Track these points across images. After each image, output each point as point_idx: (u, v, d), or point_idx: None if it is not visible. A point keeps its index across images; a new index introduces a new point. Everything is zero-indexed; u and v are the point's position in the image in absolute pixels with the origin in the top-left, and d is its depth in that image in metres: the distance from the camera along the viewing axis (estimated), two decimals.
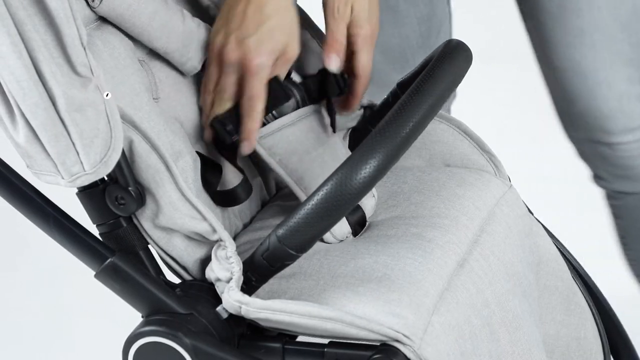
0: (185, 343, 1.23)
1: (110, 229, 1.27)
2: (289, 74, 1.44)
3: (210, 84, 1.36)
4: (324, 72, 1.45)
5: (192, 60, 1.38)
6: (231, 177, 1.39)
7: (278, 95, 1.38)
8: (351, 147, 1.57)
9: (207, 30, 1.40)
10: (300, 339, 1.28)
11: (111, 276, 1.25)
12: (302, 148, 1.40)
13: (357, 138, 1.56)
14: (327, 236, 1.38)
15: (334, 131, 1.43)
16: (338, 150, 1.45)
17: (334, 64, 1.38)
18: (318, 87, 1.45)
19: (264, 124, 1.39)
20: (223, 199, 1.36)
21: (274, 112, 1.41)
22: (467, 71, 1.34)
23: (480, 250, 1.37)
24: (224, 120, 1.36)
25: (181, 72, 1.40)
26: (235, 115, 1.37)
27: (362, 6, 1.37)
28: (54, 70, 1.12)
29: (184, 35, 1.37)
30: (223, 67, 1.34)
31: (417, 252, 1.32)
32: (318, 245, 1.37)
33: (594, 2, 1.57)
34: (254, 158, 1.43)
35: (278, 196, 1.52)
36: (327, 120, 1.45)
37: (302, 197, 1.39)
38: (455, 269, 1.33)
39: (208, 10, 1.44)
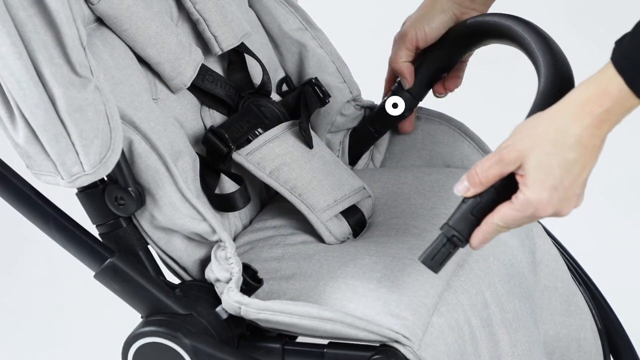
0: (185, 344, 1.23)
1: (110, 230, 1.27)
2: (268, 93, 1.46)
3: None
4: (304, 86, 1.47)
5: (182, 76, 1.37)
6: (230, 181, 1.40)
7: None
8: (351, 147, 1.57)
9: (199, 50, 1.40)
10: (300, 339, 1.28)
11: (111, 276, 1.25)
12: (290, 158, 1.41)
13: (357, 138, 1.57)
14: (328, 237, 1.38)
15: (310, 147, 1.44)
16: (326, 155, 1.45)
17: (459, 189, 1.15)
18: (298, 101, 1.47)
19: (248, 141, 1.40)
20: (220, 203, 1.36)
21: (259, 129, 1.42)
22: None
23: (480, 251, 1.37)
24: (218, 131, 1.37)
25: None
26: (229, 125, 1.39)
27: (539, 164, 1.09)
28: (54, 70, 1.12)
29: (177, 48, 1.36)
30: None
31: (417, 252, 1.32)
32: (318, 245, 1.38)
33: None
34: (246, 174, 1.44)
35: (277, 197, 1.52)
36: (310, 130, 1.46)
37: (298, 203, 1.39)
38: (454, 269, 1.33)
39: (197, 24, 1.44)
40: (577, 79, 1.30)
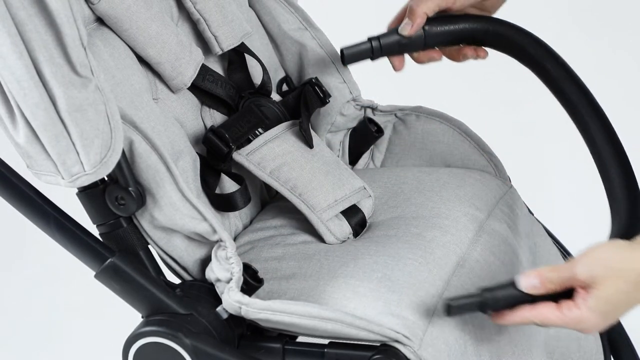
0: (186, 343, 1.23)
1: (111, 229, 1.27)
2: (268, 93, 1.46)
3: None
4: (304, 85, 1.47)
5: (182, 76, 1.38)
6: (230, 181, 1.40)
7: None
8: (351, 147, 1.57)
9: (199, 50, 1.40)
10: (300, 339, 1.28)
11: (111, 276, 1.25)
12: (290, 158, 1.41)
13: (357, 138, 1.57)
14: (328, 237, 1.38)
15: (311, 147, 1.44)
16: (326, 155, 1.46)
17: (526, 287, 1.17)
18: (298, 101, 1.47)
19: (249, 141, 1.40)
20: (221, 203, 1.36)
21: (259, 129, 1.42)
22: None
23: (481, 251, 1.37)
24: (218, 131, 1.37)
25: None
26: (229, 125, 1.39)
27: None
28: (54, 70, 1.12)
29: (177, 48, 1.36)
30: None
31: (417, 252, 1.32)
32: (318, 245, 1.38)
33: None
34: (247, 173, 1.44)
35: (278, 197, 1.52)
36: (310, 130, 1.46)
37: (298, 203, 1.39)
38: (455, 269, 1.33)
39: (197, 24, 1.44)
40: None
